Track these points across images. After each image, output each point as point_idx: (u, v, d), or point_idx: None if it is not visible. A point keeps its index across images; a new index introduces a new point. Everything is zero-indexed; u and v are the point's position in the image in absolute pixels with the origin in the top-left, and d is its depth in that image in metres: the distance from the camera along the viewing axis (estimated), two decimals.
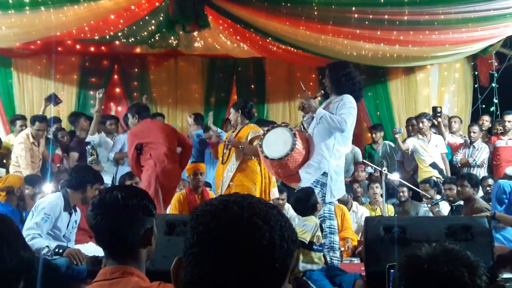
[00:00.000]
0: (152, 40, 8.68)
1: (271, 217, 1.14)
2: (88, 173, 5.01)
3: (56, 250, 4.47)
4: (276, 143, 5.14)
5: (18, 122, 7.91)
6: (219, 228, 1.11)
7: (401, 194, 7.29)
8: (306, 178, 5.03)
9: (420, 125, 7.99)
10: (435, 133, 8.15)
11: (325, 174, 4.99)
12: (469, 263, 1.47)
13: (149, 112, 6.64)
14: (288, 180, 5.70)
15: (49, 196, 5.01)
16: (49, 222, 4.58)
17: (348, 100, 5.04)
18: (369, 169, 7.67)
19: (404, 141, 8.41)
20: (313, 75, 10.44)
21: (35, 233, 4.50)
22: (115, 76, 10.22)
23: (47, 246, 4.50)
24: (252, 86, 10.40)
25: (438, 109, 8.30)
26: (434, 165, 7.80)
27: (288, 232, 1.16)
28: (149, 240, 2.11)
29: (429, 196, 6.94)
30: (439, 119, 8.27)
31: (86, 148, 7.67)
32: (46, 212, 4.58)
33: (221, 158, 5.96)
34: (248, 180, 5.78)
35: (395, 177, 7.03)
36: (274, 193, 6.11)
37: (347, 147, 5.27)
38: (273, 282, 1.14)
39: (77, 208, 4.98)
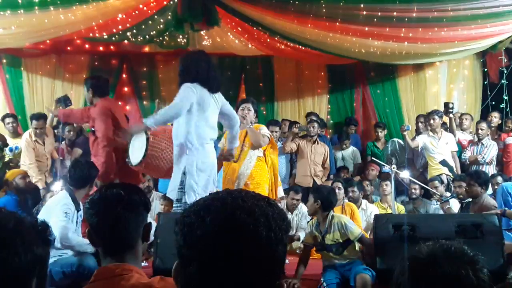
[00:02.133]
0: (161, 38, 8.69)
1: (255, 209, 1.14)
2: (91, 168, 5.03)
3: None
4: (136, 148, 5.17)
5: (7, 120, 7.90)
6: (202, 227, 1.11)
7: (413, 191, 7.26)
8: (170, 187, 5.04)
9: (431, 121, 7.94)
10: (446, 130, 8.11)
11: (184, 173, 4.90)
12: (471, 259, 1.45)
13: (109, 88, 6.21)
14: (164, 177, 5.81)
15: (57, 197, 4.95)
16: (71, 220, 4.63)
17: (181, 89, 4.93)
18: (386, 169, 7.63)
19: (413, 138, 8.38)
20: (322, 73, 10.42)
21: (73, 229, 4.59)
22: (124, 75, 10.24)
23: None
24: (261, 84, 10.39)
25: (450, 105, 8.23)
26: (444, 163, 7.77)
27: (276, 221, 1.15)
28: (148, 236, 2.12)
29: (439, 194, 6.92)
30: (451, 115, 8.22)
31: None
32: (66, 211, 4.61)
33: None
34: (263, 178, 5.75)
35: (405, 174, 7.01)
36: (280, 192, 6.10)
37: (193, 139, 4.90)
38: (268, 272, 1.14)
39: (80, 204, 4.95)
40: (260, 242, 1.11)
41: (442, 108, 8.49)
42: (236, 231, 1.10)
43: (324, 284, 4.48)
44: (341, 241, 4.62)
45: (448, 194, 6.90)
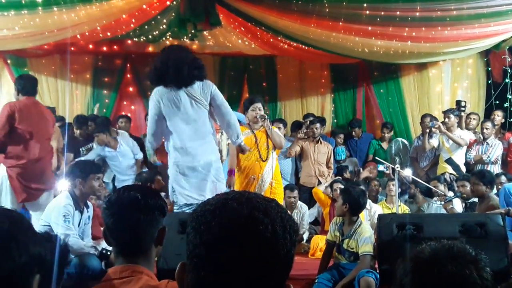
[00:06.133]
0: (164, 39, 8.71)
1: (270, 209, 1.15)
2: (88, 164, 5.05)
3: (104, 252, 4.53)
4: None
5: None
6: (221, 226, 1.11)
7: (413, 191, 7.28)
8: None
9: (446, 120, 7.94)
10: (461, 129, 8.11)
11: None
12: (474, 258, 1.45)
13: (35, 88, 5.76)
14: None
15: (57, 198, 4.87)
16: (71, 222, 4.60)
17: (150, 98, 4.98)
18: (381, 167, 7.63)
19: (418, 137, 8.43)
20: (325, 72, 10.41)
21: (73, 233, 4.53)
22: (128, 75, 10.26)
23: (94, 247, 4.56)
24: (264, 84, 10.39)
25: (463, 103, 8.22)
26: (450, 161, 7.78)
27: (289, 223, 1.17)
28: (162, 240, 2.14)
29: (443, 193, 6.91)
30: (462, 113, 8.21)
31: (80, 149, 7.68)
32: (64, 214, 4.55)
33: (259, 156, 5.75)
34: (280, 177, 5.83)
35: (407, 172, 7.00)
36: None
37: (174, 141, 4.88)
38: (280, 274, 1.14)
39: (89, 204, 4.94)
40: (277, 241, 1.12)
41: (446, 107, 8.47)
42: (256, 230, 1.11)
43: (316, 280, 4.49)
44: (355, 251, 4.59)
45: (451, 193, 6.89)
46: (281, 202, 5.92)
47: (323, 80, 10.45)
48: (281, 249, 1.13)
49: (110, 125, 7.79)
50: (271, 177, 5.70)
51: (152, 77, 4.97)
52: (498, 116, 8.48)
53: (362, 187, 6.87)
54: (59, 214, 4.56)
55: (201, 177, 4.85)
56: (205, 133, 4.90)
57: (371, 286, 4.29)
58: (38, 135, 5.59)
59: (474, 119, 8.53)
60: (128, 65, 10.22)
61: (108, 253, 4.53)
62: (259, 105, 5.83)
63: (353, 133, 9.34)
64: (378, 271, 4.56)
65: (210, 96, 4.89)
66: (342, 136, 9.13)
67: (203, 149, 4.87)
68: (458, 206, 6.62)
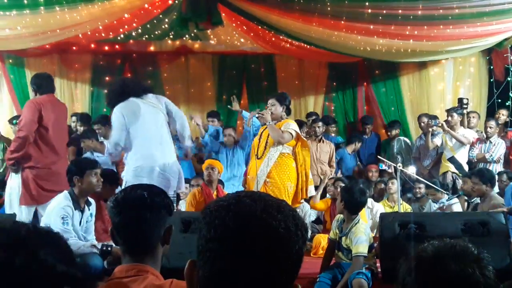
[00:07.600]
0: (166, 38, 8.71)
1: (283, 207, 1.17)
2: (84, 160, 5.06)
3: (104, 248, 4.53)
4: None
5: (16, 121, 7.93)
6: (236, 220, 1.12)
7: (417, 190, 7.24)
8: None
9: (449, 118, 7.92)
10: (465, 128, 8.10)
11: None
12: (476, 257, 1.45)
13: (53, 84, 5.77)
14: None
15: (56, 199, 4.77)
16: (69, 223, 4.57)
17: (112, 118, 5.19)
18: (382, 166, 7.63)
19: (419, 137, 8.41)
20: (325, 71, 10.38)
21: (72, 235, 4.50)
22: (128, 74, 10.25)
23: (94, 245, 4.56)
24: (265, 83, 10.36)
25: (465, 101, 8.20)
26: (452, 160, 7.77)
27: (300, 221, 1.18)
28: (168, 239, 2.14)
29: (446, 193, 6.91)
30: (465, 111, 8.19)
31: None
32: (62, 216, 4.53)
33: (255, 153, 5.72)
34: (284, 176, 5.58)
35: (411, 170, 6.99)
36: (311, 191, 5.95)
37: (135, 148, 5.10)
38: (291, 270, 1.15)
39: (90, 201, 4.89)
40: (290, 237, 1.13)
41: (448, 106, 8.44)
42: (270, 224, 1.12)
43: (318, 279, 4.48)
44: (351, 249, 4.56)
45: (444, 195, 6.90)
46: None
47: (322, 79, 10.42)
48: (294, 245, 1.14)
49: (108, 125, 7.71)
50: (265, 176, 5.56)
51: (111, 99, 5.31)
52: (503, 115, 8.47)
53: (361, 185, 6.87)
54: (57, 216, 4.54)
55: (162, 176, 5.03)
56: (163, 136, 5.20)
57: (363, 286, 4.26)
58: (58, 135, 5.63)
59: (473, 117, 8.50)
60: (127, 64, 10.20)
61: (109, 248, 4.52)
62: (271, 101, 5.83)
63: (366, 129, 9.32)
64: (380, 269, 4.56)
65: (165, 104, 5.34)
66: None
67: (162, 152, 5.13)
68: (457, 205, 6.63)
